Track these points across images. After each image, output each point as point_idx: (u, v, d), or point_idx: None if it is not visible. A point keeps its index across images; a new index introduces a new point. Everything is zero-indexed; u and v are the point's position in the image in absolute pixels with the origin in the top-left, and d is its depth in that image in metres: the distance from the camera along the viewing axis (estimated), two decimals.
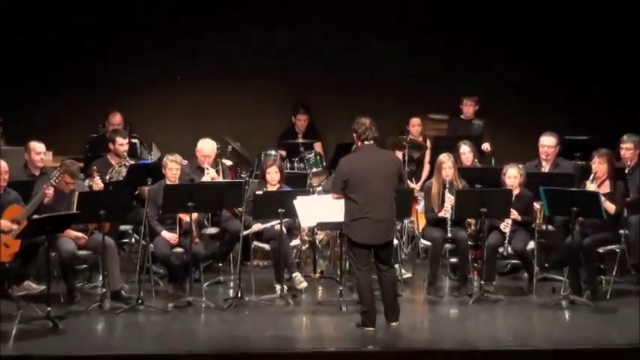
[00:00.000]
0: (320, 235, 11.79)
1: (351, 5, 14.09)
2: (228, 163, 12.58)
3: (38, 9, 13.55)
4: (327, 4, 14.03)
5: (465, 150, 11.98)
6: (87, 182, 11.17)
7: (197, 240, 10.93)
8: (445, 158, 11.13)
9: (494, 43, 14.10)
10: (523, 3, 13.97)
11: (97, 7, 13.75)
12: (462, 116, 13.65)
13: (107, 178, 11.53)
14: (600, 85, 14.04)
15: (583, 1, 13.86)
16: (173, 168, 11.02)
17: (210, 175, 11.60)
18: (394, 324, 9.76)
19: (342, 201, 10.02)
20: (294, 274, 10.97)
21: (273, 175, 11.23)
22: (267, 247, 11.12)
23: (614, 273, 10.86)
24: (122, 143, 11.87)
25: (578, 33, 13.94)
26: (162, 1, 13.98)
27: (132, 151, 12.34)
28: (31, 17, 13.56)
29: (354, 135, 9.83)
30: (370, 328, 9.67)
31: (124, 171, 11.65)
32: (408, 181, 10.70)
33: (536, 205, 11.09)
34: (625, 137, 11.53)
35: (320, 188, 11.92)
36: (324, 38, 14.16)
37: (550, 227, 11.39)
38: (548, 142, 11.80)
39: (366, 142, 9.73)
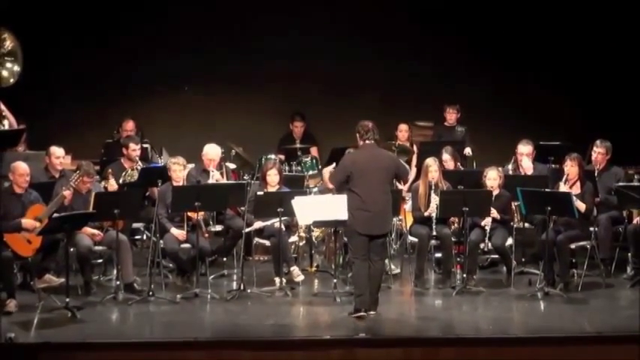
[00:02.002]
0: (316, 232, 11.75)
1: (343, 23, 14.10)
2: (232, 166, 12.55)
3: (63, 26, 13.55)
4: (321, 24, 14.04)
5: (447, 158, 11.96)
6: (102, 184, 11.14)
7: (206, 235, 10.94)
8: (431, 162, 11.12)
9: (475, 57, 14.12)
10: (501, 19, 13.95)
11: (112, 25, 13.73)
12: (445, 123, 13.63)
13: (121, 180, 11.48)
14: (571, 95, 14.06)
15: (554, 16, 13.83)
16: (177, 170, 11.03)
17: (215, 178, 11.56)
18: (372, 313, 9.72)
19: (337, 199, 10.05)
20: (292, 268, 10.96)
21: (272, 177, 11.21)
22: (267, 243, 11.10)
23: (584, 267, 10.84)
24: (134, 148, 11.85)
25: (549, 49, 13.96)
26: (171, 19, 13.97)
27: (143, 156, 12.31)
28: (54, 35, 13.55)
29: (357, 135, 9.84)
30: (363, 313, 9.65)
31: (136, 174, 11.62)
32: (396, 183, 10.65)
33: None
34: (598, 142, 11.55)
35: (316, 189, 11.91)
36: (318, 53, 14.15)
37: (527, 225, 11.35)
38: (525, 148, 11.77)
39: (367, 142, 9.75)
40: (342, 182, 9.79)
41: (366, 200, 9.62)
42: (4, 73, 11.68)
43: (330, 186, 10.06)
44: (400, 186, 10.82)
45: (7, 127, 11.61)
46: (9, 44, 11.67)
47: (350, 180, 9.68)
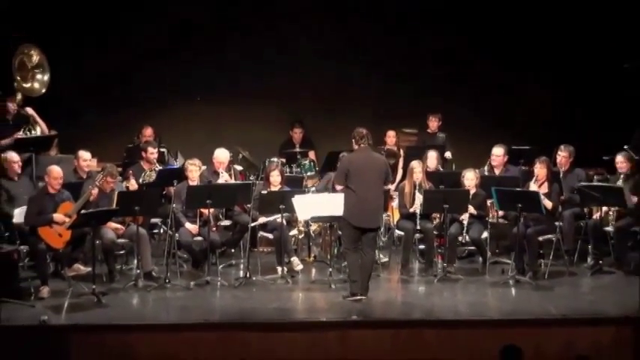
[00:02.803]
0: (313, 227, 11.78)
1: (338, 41, 14.10)
2: (239, 168, 12.54)
3: (93, 44, 13.66)
4: (319, 42, 14.08)
5: (432, 155, 12.03)
6: (124, 184, 11.19)
7: (216, 229, 10.99)
8: (416, 164, 11.18)
9: (455, 71, 14.12)
10: (476, 38, 13.97)
11: (135, 45, 13.82)
12: (428, 130, 13.65)
13: (140, 180, 11.51)
14: (540, 106, 14.08)
15: (526, 30, 13.86)
16: (193, 170, 11.09)
17: (224, 178, 11.58)
18: (363, 298, 9.78)
19: (333, 197, 10.14)
20: (292, 258, 10.99)
21: (275, 177, 11.26)
22: (270, 236, 11.14)
23: (550, 257, 10.90)
24: (153, 152, 11.86)
25: (518, 68, 13.95)
26: (183, 39, 13.99)
27: (161, 158, 12.33)
28: (84, 52, 13.63)
29: (353, 140, 9.95)
30: (358, 297, 9.72)
31: (154, 175, 11.63)
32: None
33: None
34: (562, 147, 11.57)
35: (313, 189, 11.90)
36: (316, 68, 14.16)
37: (501, 220, 11.38)
38: (498, 151, 11.83)
39: (362, 146, 9.84)
40: (341, 181, 9.89)
41: (360, 196, 9.70)
42: (36, 85, 11.76)
43: (339, 187, 10.09)
44: (387, 186, 10.88)
45: (39, 133, 11.72)
46: (36, 58, 11.74)
47: (347, 178, 9.78)
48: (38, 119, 11.76)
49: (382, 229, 11.93)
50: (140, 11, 13.75)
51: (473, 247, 11.35)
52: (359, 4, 14.10)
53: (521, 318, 9.36)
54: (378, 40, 14.20)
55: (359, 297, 9.75)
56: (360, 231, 9.78)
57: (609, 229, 11.08)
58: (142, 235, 10.58)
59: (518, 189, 10.94)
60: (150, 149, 11.86)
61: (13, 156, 10.89)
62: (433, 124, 13.59)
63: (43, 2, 12.71)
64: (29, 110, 11.73)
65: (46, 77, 11.80)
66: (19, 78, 11.48)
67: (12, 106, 11.62)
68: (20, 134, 11.51)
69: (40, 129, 11.79)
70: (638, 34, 12.89)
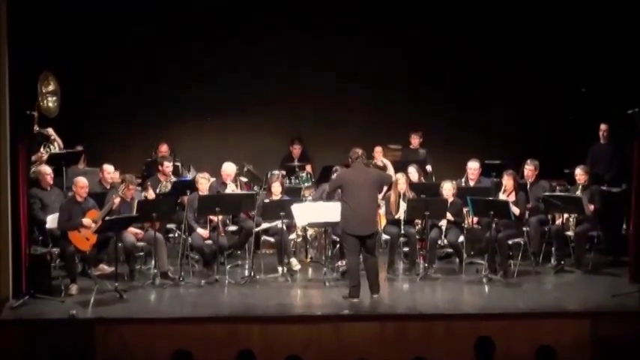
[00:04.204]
0: (310, 231, 11.73)
1: (332, 64, 14.07)
2: (244, 179, 12.49)
3: (111, 72, 13.61)
4: (314, 69, 14.01)
5: (412, 170, 12.04)
6: (143, 194, 11.15)
7: (224, 234, 10.98)
8: (400, 176, 11.17)
9: (435, 93, 14.08)
10: (456, 63, 13.99)
11: (148, 68, 13.77)
12: (410, 146, 13.63)
13: (157, 190, 11.48)
14: (510, 125, 14.09)
15: (495, 55, 13.86)
16: (203, 182, 11.09)
17: (231, 189, 11.54)
18: (375, 295, 9.75)
19: (327, 206, 10.15)
20: (291, 259, 11.00)
21: (276, 188, 11.25)
22: (272, 239, 11.13)
23: (519, 258, 10.87)
24: (168, 166, 11.85)
25: (489, 89, 13.98)
26: (195, 63, 13.95)
27: (175, 171, 12.30)
28: (107, 78, 13.60)
29: (350, 159, 9.92)
30: (356, 299, 9.67)
31: (169, 186, 11.62)
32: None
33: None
34: (528, 161, 11.55)
35: (310, 198, 11.85)
36: (312, 90, 14.13)
37: (476, 226, 11.36)
38: (473, 165, 11.83)
39: (356, 162, 9.82)
40: (332, 192, 9.98)
41: (354, 208, 9.64)
42: (51, 105, 11.71)
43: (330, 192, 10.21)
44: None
45: (57, 149, 11.68)
46: (52, 86, 11.70)
47: (342, 192, 9.75)
48: (55, 136, 11.75)
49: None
50: (160, 44, 13.74)
51: (451, 250, 11.30)
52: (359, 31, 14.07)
53: (494, 312, 9.36)
54: (366, 64, 14.18)
55: (355, 299, 9.68)
56: (358, 239, 9.73)
57: (570, 233, 11.09)
58: (159, 239, 10.57)
59: (490, 198, 10.93)
60: (166, 163, 11.86)
61: (46, 169, 10.91)
62: (415, 140, 13.54)
63: (59, 23, 12.58)
64: (50, 130, 11.72)
65: (56, 105, 11.74)
66: (38, 99, 11.46)
67: (34, 126, 11.57)
68: (42, 151, 11.49)
69: (58, 145, 11.77)
70: (593, 57, 12.96)
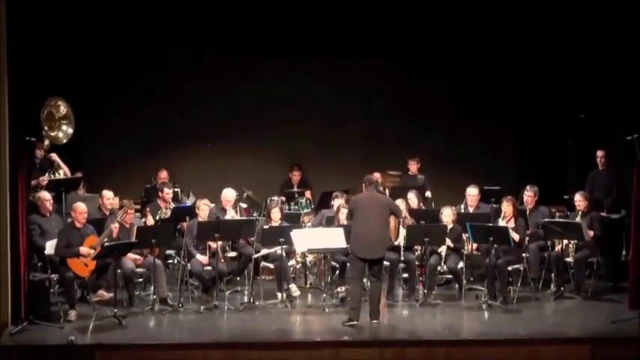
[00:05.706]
0: (309, 257, 11.75)
1: (332, 91, 14.16)
2: (244, 205, 12.54)
3: (115, 99, 13.71)
4: (313, 96, 14.10)
5: (411, 196, 12.06)
6: (142, 220, 11.20)
7: (223, 260, 10.99)
8: (400, 202, 11.17)
9: (433, 122, 14.17)
10: (449, 83, 14.05)
11: (147, 97, 13.86)
12: (409, 172, 13.67)
13: (157, 216, 11.50)
14: (508, 152, 14.15)
15: (496, 84, 13.91)
16: (203, 209, 11.11)
17: (230, 215, 11.60)
18: (375, 322, 9.78)
19: (327, 232, 10.17)
20: (290, 285, 10.98)
21: (275, 214, 11.28)
22: (271, 265, 11.12)
23: (518, 284, 10.87)
24: (168, 192, 11.84)
25: (490, 116, 14.01)
26: (196, 93, 14.04)
27: (175, 197, 12.30)
28: (108, 106, 13.68)
29: (364, 184, 10.02)
30: (355, 322, 9.68)
31: (169, 212, 11.62)
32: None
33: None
34: (528, 187, 11.63)
35: (310, 224, 11.87)
36: (311, 118, 14.19)
37: (475, 252, 11.34)
38: (472, 191, 11.87)
39: (370, 188, 9.90)
40: (349, 217, 9.96)
41: (363, 231, 9.71)
42: (60, 135, 11.73)
43: (347, 223, 10.16)
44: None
45: (62, 175, 11.69)
46: (63, 109, 11.72)
47: (353, 216, 9.81)
48: (62, 164, 11.75)
49: None
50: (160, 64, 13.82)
51: (450, 276, 11.30)
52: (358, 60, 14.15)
53: (493, 338, 9.36)
54: (365, 93, 14.27)
55: (355, 322, 9.69)
56: (365, 262, 9.76)
57: (569, 259, 11.13)
58: (158, 265, 10.57)
59: (489, 224, 10.96)
60: (166, 190, 11.85)
61: (46, 195, 10.92)
62: (413, 166, 13.58)
63: (59, 48, 12.64)
64: (53, 156, 11.73)
65: (71, 130, 11.72)
66: (46, 127, 11.47)
67: (39, 152, 11.60)
68: (45, 177, 11.50)
69: (64, 172, 11.77)
70: (590, 86, 13.04)
